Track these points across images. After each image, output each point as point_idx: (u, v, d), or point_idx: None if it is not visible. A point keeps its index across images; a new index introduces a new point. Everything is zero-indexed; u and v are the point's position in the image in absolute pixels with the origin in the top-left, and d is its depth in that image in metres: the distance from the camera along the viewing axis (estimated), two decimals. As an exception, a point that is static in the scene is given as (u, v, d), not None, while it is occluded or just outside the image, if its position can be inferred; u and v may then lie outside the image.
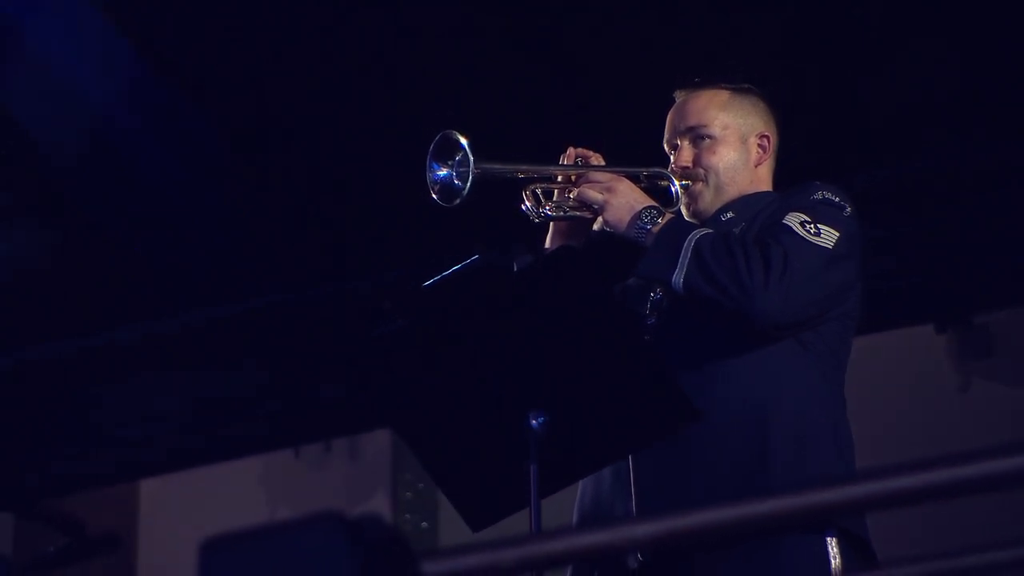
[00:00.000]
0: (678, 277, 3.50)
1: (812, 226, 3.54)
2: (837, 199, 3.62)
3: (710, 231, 3.57)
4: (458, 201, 3.58)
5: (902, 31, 5.39)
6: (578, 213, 3.67)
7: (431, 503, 6.74)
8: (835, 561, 3.44)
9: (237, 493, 7.01)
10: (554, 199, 3.69)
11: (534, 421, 3.24)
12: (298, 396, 6.67)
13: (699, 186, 3.74)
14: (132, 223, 6.17)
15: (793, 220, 3.55)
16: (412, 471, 6.78)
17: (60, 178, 5.98)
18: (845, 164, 5.37)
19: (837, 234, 3.56)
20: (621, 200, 3.61)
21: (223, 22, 5.56)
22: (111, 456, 6.85)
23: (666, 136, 3.81)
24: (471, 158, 3.56)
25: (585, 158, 3.71)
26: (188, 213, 6.10)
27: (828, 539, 3.45)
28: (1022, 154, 5.67)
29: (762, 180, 3.78)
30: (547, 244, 3.76)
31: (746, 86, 3.81)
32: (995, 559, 2.02)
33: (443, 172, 3.62)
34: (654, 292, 3.65)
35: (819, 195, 3.62)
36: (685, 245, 3.51)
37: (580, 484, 3.60)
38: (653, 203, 3.63)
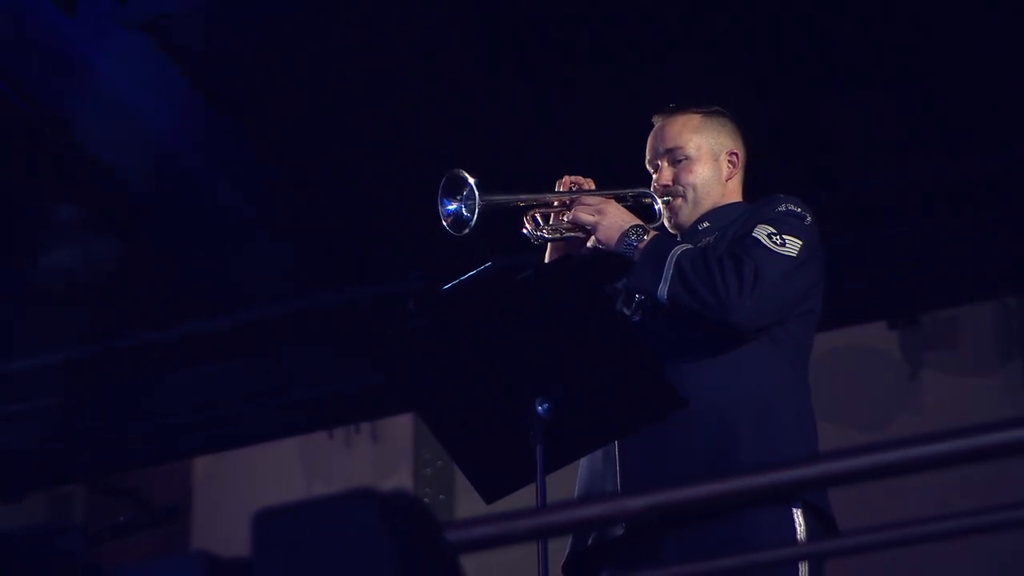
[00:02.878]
0: (663, 289, 3.50)
1: (778, 237, 3.54)
2: (799, 209, 3.63)
3: (690, 247, 3.57)
4: (467, 231, 3.58)
5: (857, 68, 5.40)
6: (572, 234, 3.68)
7: (448, 478, 6.70)
8: (800, 529, 3.44)
9: (278, 469, 6.98)
10: (551, 222, 3.68)
11: (540, 407, 3.25)
12: (331, 385, 6.67)
13: (678, 201, 3.74)
14: (190, 235, 6.18)
15: (761, 233, 3.54)
16: (431, 450, 6.74)
17: (128, 197, 5.98)
18: (811, 180, 5.37)
19: (800, 242, 3.56)
20: (610, 221, 3.61)
21: (268, 61, 5.58)
22: (169, 436, 6.85)
23: (648, 157, 3.80)
24: (476, 192, 3.57)
25: (578, 184, 3.71)
26: (239, 226, 6.10)
27: (794, 510, 3.44)
28: (967, 172, 5.68)
29: (733, 192, 3.78)
30: (546, 261, 3.76)
31: (715, 109, 3.81)
32: (943, 528, 2.03)
33: (453, 206, 3.62)
34: (639, 294, 3.67)
35: (783, 207, 3.62)
36: (668, 261, 3.51)
37: (581, 461, 3.61)
38: (639, 222, 3.62)
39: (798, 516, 3.44)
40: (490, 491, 3.35)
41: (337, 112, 5.70)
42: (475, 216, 3.56)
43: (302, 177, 5.98)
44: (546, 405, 3.25)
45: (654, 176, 3.78)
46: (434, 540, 1.74)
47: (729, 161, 3.78)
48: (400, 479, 6.82)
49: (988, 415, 5.96)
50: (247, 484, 6.96)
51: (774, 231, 3.55)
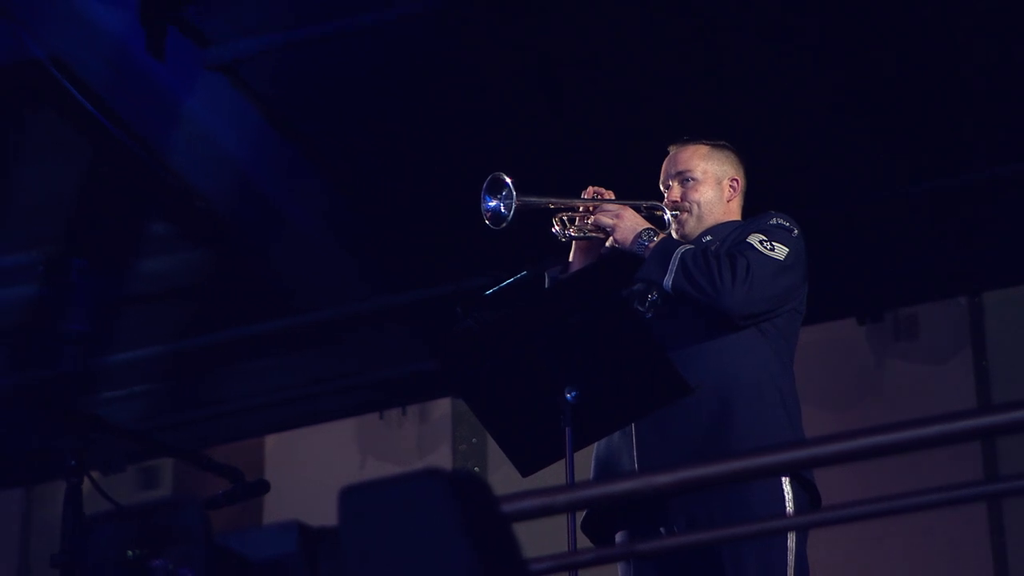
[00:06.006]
0: (668, 280, 3.52)
1: (768, 243, 3.56)
2: (787, 224, 3.65)
3: (692, 246, 3.60)
4: (504, 225, 3.60)
5: (831, 110, 5.42)
6: (594, 234, 3.70)
7: (482, 453, 6.70)
8: (788, 496, 3.46)
9: (337, 446, 6.99)
10: (576, 224, 3.71)
11: (568, 395, 3.27)
12: (382, 373, 6.68)
13: (685, 216, 3.76)
14: (264, 247, 6.19)
15: (754, 239, 3.58)
16: (467, 429, 6.74)
17: (210, 214, 6.00)
18: (797, 198, 5.38)
19: (787, 250, 3.58)
20: (627, 224, 3.64)
21: (330, 97, 5.59)
22: (245, 417, 6.86)
23: (662, 179, 3.82)
24: (514, 192, 3.59)
25: (600, 193, 3.73)
26: (306, 239, 6.11)
27: (783, 480, 3.46)
28: (928, 190, 5.68)
29: (733, 212, 3.80)
30: (571, 258, 3.77)
31: (722, 143, 3.84)
32: (913, 503, 2.03)
33: (493, 203, 3.63)
34: (651, 295, 3.66)
35: (774, 221, 3.65)
36: (674, 256, 3.54)
37: (595, 440, 3.61)
38: (651, 226, 3.65)
39: (786, 485, 3.46)
40: (525, 466, 3.35)
41: (391, 139, 5.71)
42: (511, 213, 3.59)
43: (361, 196, 5.99)
44: (574, 393, 3.26)
45: (666, 194, 3.79)
46: (492, 511, 1.74)
47: (731, 186, 3.80)
48: (441, 454, 6.82)
49: (943, 398, 5.98)
50: (311, 459, 6.97)
51: (765, 238, 3.57)
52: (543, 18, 5.24)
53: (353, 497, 1.72)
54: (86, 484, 2.44)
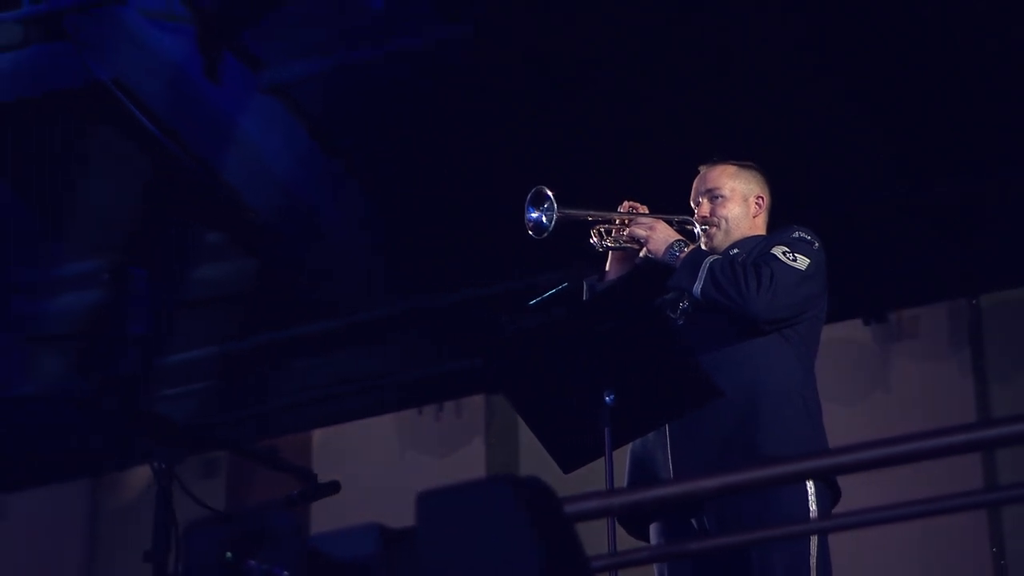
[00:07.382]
0: (697, 287, 3.53)
1: (791, 255, 3.57)
2: (809, 237, 3.65)
3: (720, 256, 3.61)
4: (546, 235, 3.62)
5: (841, 119, 5.41)
6: (629, 245, 3.71)
7: (513, 447, 6.70)
8: (811, 493, 3.44)
9: (379, 440, 6.98)
10: (612, 235, 3.72)
11: (607, 397, 3.26)
12: (421, 371, 6.69)
13: (713, 230, 3.76)
14: (310, 255, 6.22)
15: (777, 250, 3.58)
16: (499, 424, 6.74)
17: (258, 224, 6.02)
18: (799, 199, 5.37)
19: (808, 260, 3.58)
20: (659, 236, 3.65)
21: (371, 117, 5.62)
22: (293, 413, 6.88)
23: (692, 196, 3.83)
24: (555, 205, 3.61)
25: (635, 207, 3.74)
26: (349, 246, 6.13)
27: (808, 480, 3.47)
28: (930, 196, 5.67)
29: (758, 227, 3.80)
30: (607, 267, 3.78)
31: (748, 163, 3.85)
32: (930, 508, 2.04)
33: (535, 214, 3.65)
34: (682, 303, 3.67)
35: (797, 234, 3.65)
36: (703, 266, 3.55)
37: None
38: (682, 237, 3.66)
39: (810, 485, 3.45)
40: (568, 463, 3.35)
41: (425, 154, 5.73)
42: (552, 224, 3.60)
43: (399, 207, 6.00)
44: (612, 396, 3.26)
45: (696, 210, 3.81)
46: (558, 514, 1.75)
47: (756, 203, 3.80)
48: (474, 447, 6.81)
49: (944, 395, 5.97)
50: (355, 452, 6.97)
51: (788, 250, 3.58)
52: (563, 39, 5.25)
53: (429, 501, 1.73)
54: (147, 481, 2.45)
